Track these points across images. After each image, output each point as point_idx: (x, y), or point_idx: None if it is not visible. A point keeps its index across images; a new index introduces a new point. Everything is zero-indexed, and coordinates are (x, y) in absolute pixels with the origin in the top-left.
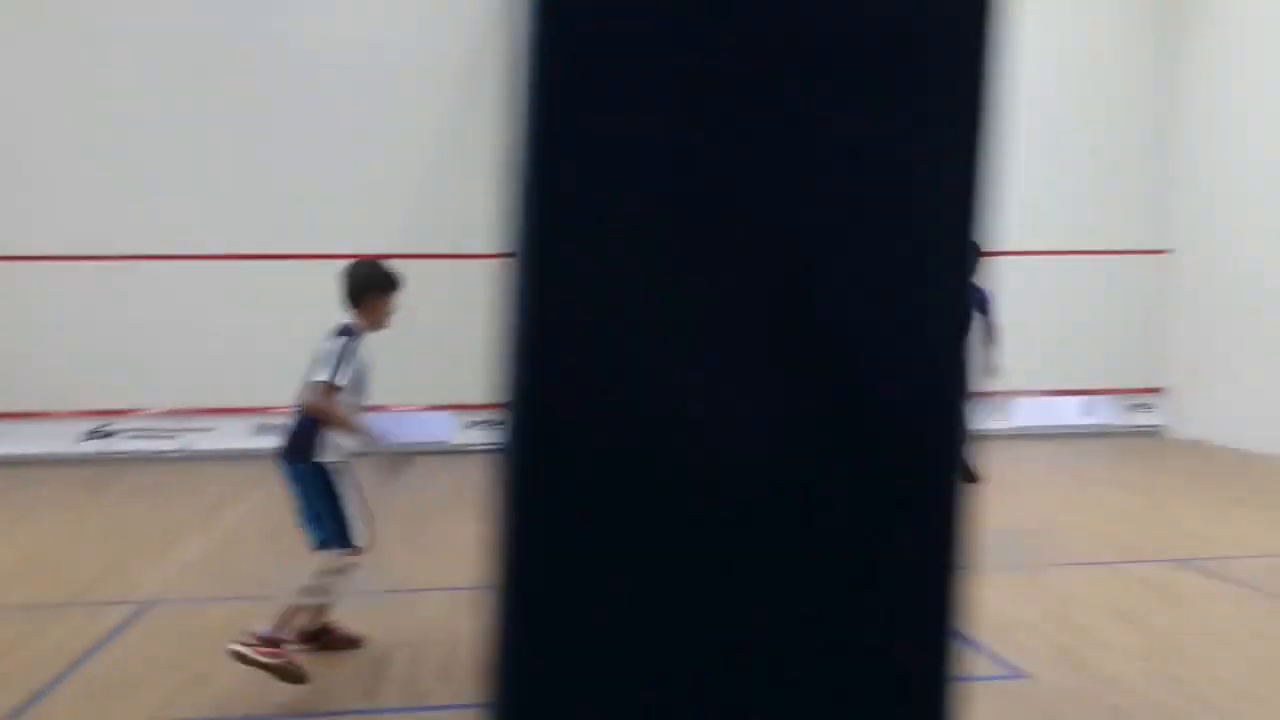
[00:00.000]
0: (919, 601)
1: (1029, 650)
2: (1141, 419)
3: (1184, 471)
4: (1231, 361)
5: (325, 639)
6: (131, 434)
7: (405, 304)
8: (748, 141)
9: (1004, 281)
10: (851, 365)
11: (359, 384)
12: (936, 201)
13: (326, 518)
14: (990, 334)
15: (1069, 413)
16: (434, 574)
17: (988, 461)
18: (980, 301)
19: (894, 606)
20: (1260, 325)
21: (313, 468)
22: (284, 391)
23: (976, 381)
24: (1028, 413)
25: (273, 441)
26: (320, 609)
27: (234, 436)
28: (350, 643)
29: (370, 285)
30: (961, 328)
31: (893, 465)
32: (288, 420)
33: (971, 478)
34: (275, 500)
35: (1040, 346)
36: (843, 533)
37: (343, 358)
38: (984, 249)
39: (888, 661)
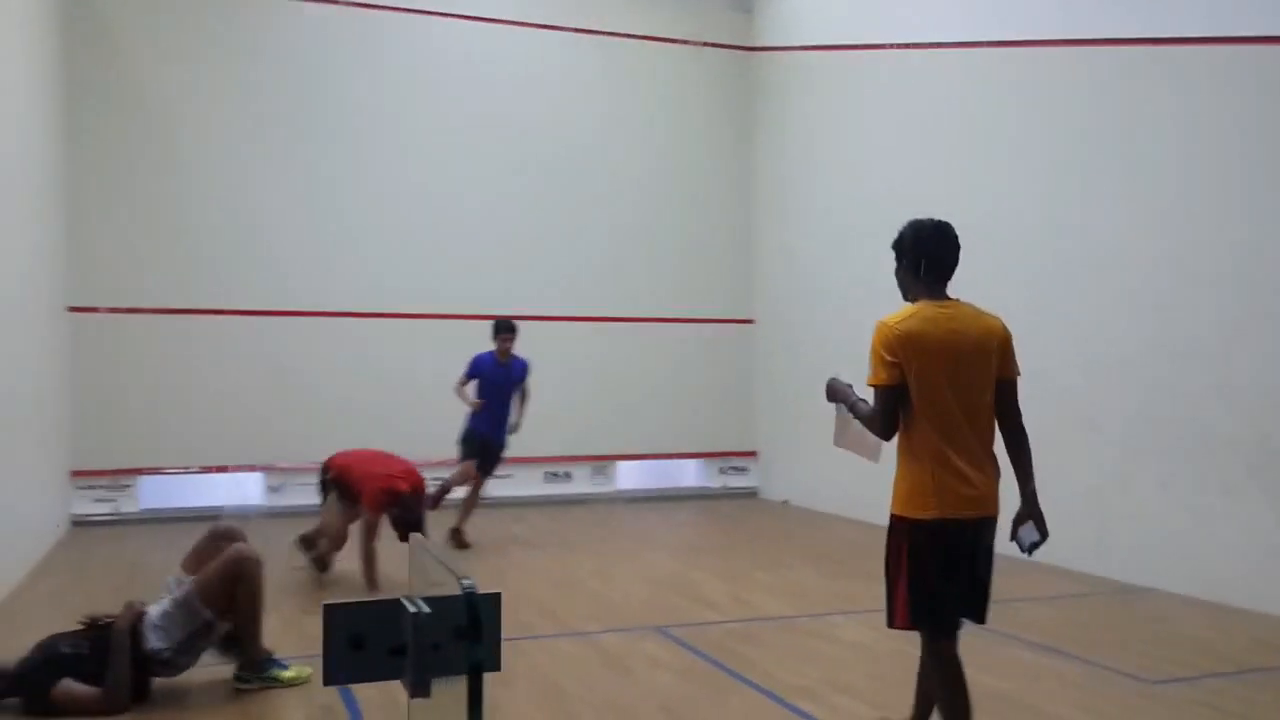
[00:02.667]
0: None
1: None
2: (737, 481)
3: (744, 535)
4: (804, 426)
5: None
6: None
7: None
8: None
9: (604, 346)
10: None
11: None
12: None
13: None
14: (524, 399)
15: (676, 475)
16: None
17: (542, 525)
18: (522, 373)
19: None
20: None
21: None
22: None
23: (504, 442)
24: (632, 475)
25: None
26: None
27: None
28: None
29: None
30: None
31: None
32: None
33: (462, 543)
34: None
35: (646, 411)
36: None
37: None
38: (515, 325)
39: None
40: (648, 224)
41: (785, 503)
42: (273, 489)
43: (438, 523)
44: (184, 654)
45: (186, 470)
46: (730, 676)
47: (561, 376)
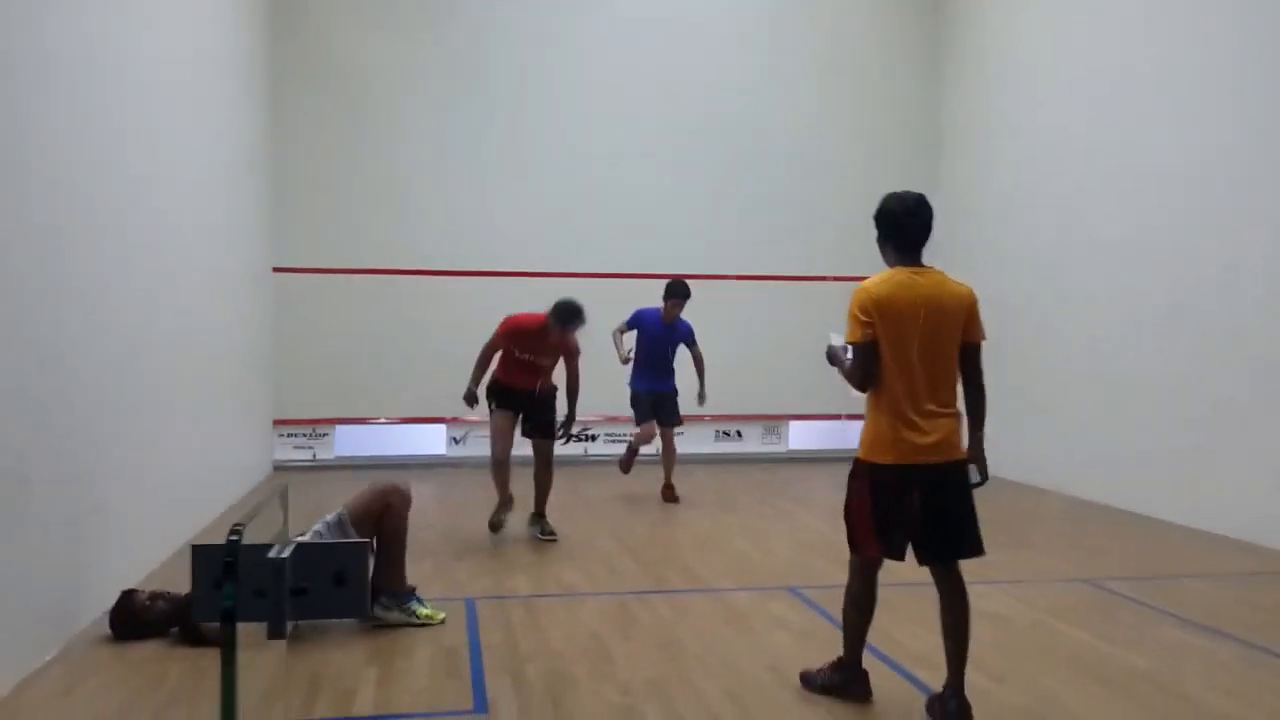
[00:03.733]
0: None
1: (525, 681)
2: None
3: None
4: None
5: None
6: None
7: None
8: None
9: (779, 306)
10: None
11: None
12: None
13: None
14: (700, 365)
15: (850, 437)
16: None
17: (706, 483)
18: (686, 334)
19: None
20: (1005, 353)
21: None
22: None
23: (673, 389)
24: (805, 436)
25: None
26: None
27: None
28: None
29: None
30: None
31: None
32: None
33: (672, 497)
34: None
35: (820, 371)
36: None
37: None
38: (689, 291)
39: None
40: (824, 180)
41: None
42: (455, 440)
43: (633, 484)
44: None
45: (377, 420)
46: None
47: (735, 336)
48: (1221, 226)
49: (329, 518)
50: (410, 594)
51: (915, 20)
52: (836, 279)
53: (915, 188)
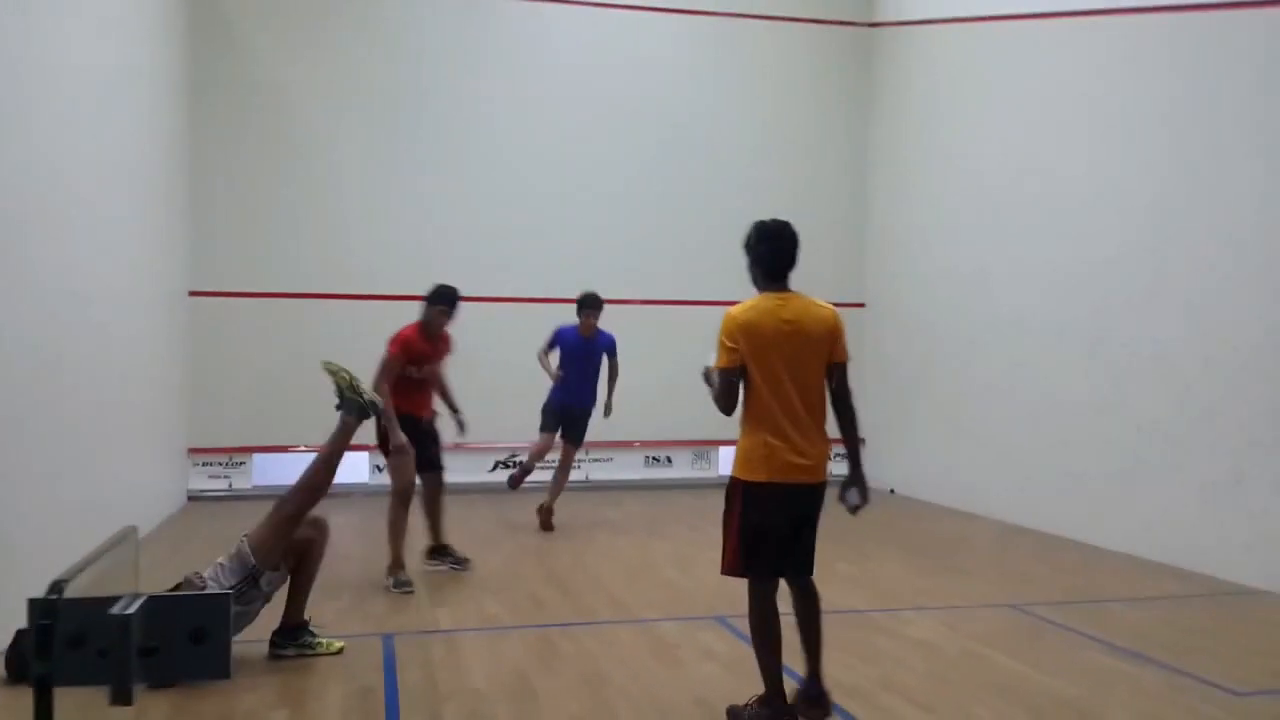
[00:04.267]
0: None
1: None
2: (843, 468)
3: (839, 524)
4: (913, 413)
5: None
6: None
7: None
8: None
9: (709, 330)
10: None
11: None
12: None
13: None
14: (613, 377)
15: None
16: None
17: (635, 510)
18: (608, 346)
19: None
20: (933, 379)
21: None
22: None
23: (587, 407)
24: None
25: None
26: None
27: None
28: None
29: None
30: None
31: None
32: None
33: (548, 523)
34: None
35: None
36: None
37: None
38: (600, 300)
39: None
40: (756, 206)
41: (891, 491)
42: (378, 469)
43: (559, 511)
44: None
45: (297, 449)
46: None
47: (666, 360)
48: (1143, 252)
49: (231, 549)
50: (303, 626)
51: (851, 54)
52: None
53: (845, 216)
